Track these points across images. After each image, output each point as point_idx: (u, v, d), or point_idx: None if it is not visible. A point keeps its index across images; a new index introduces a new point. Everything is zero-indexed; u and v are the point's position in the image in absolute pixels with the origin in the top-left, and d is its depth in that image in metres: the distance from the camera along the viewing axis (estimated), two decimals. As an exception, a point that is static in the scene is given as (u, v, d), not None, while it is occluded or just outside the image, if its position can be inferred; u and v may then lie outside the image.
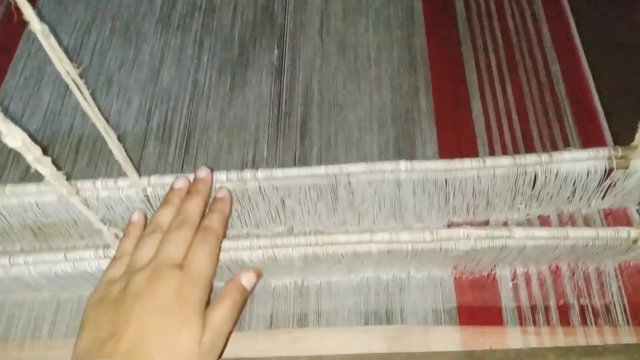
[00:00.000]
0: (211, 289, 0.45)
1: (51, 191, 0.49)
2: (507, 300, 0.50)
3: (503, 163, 0.48)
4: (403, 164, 0.48)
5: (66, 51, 0.35)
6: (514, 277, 0.51)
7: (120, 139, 0.44)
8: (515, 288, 0.51)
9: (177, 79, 0.68)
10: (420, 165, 0.48)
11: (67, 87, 0.36)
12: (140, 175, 0.50)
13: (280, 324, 0.52)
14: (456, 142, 0.59)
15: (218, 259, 0.46)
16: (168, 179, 0.50)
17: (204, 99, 0.65)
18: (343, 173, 0.49)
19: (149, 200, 0.52)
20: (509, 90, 0.63)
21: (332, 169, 0.49)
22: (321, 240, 0.46)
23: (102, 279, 0.45)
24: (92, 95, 0.38)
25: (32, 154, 0.35)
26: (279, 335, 0.51)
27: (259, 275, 0.49)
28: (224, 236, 0.48)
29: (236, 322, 0.45)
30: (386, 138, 0.60)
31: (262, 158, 0.60)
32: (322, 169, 0.49)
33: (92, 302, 0.43)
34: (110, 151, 0.44)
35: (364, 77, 0.66)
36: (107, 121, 0.41)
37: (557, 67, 0.64)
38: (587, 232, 0.43)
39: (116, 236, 0.50)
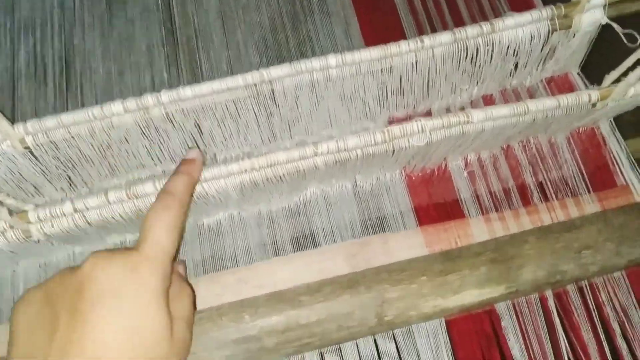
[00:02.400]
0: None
1: None
2: (464, 191, 0.47)
3: (442, 40, 0.42)
4: (333, 59, 0.41)
5: None
6: (467, 165, 0.47)
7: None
8: (471, 176, 0.47)
9: (38, 3, 0.55)
10: (352, 57, 0.41)
11: None
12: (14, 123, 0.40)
13: (223, 265, 0.45)
14: (382, 30, 0.53)
15: (182, 233, 0.37)
16: (50, 122, 0.40)
17: (78, 23, 0.54)
18: (265, 81, 0.41)
19: (32, 154, 0.42)
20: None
21: (252, 77, 0.41)
22: (258, 163, 0.39)
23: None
24: None
25: None
26: (224, 277, 0.45)
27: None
28: (188, 209, 0.38)
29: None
30: (306, 32, 0.52)
31: (163, 82, 0.51)
32: (239, 79, 0.41)
33: (24, 299, 0.34)
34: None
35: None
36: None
37: None
38: (548, 103, 0.39)
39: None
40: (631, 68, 0.38)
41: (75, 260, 0.46)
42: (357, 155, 0.40)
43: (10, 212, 0.39)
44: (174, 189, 0.37)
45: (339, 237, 0.45)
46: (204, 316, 0.39)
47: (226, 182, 0.39)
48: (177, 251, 0.36)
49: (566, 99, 0.39)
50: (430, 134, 0.39)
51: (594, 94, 0.40)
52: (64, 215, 0.39)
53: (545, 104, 0.39)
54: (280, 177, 0.40)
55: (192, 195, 0.38)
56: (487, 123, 0.39)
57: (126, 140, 0.43)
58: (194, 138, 0.45)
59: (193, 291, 0.39)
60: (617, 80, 0.40)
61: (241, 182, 0.39)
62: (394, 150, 0.40)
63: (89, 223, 0.40)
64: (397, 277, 0.39)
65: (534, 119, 0.40)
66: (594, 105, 0.41)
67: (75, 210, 0.39)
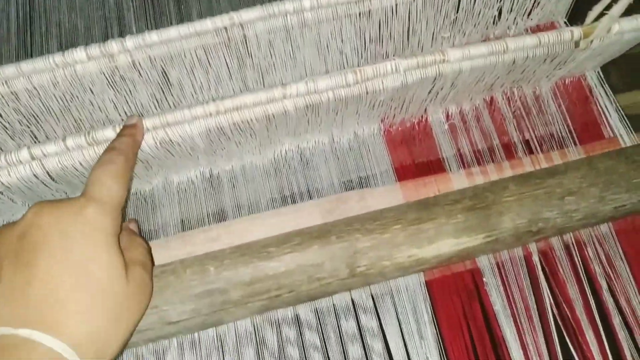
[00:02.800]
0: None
1: None
2: (445, 145, 0.45)
3: (421, -19, 0.40)
4: (307, 1, 0.39)
5: None
6: (448, 117, 0.45)
7: None
8: (452, 129, 0.45)
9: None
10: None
11: None
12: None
13: (194, 225, 0.43)
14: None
15: (128, 185, 0.35)
16: (9, 70, 0.39)
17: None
18: (236, 24, 0.40)
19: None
20: None
21: (221, 20, 0.39)
22: (223, 106, 0.37)
23: None
24: None
25: None
26: (195, 235, 0.43)
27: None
28: (133, 167, 0.37)
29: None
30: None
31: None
32: (207, 23, 0.39)
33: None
34: None
35: None
36: None
37: None
38: (528, 40, 0.37)
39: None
40: (614, 1, 0.36)
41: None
42: (328, 98, 0.38)
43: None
44: (118, 145, 0.35)
45: (316, 196, 0.44)
46: (167, 269, 0.37)
47: (190, 127, 0.37)
48: (125, 205, 0.35)
49: (547, 37, 0.37)
50: (405, 74, 0.37)
51: (577, 30, 0.38)
52: (21, 162, 0.37)
53: (526, 41, 0.37)
54: (248, 122, 0.38)
55: (136, 155, 0.37)
56: (465, 63, 0.38)
57: (91, 91, 0.41)
58: (162, 89, 0.43)
59: (147, 243, 0.37)
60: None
61: (207, 127, 0.37)
62: (367, 93, 0.38)
63: (48, 173, 0.38)
64: (369, 227, 0.36)
65: (514, 60, 0.38)
66: (577, 44, 0.39)
67: (33, 158, 0.37)
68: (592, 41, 0.39)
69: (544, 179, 0.37)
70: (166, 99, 0.44)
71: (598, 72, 0.46)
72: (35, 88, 0.40)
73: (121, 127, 0.37)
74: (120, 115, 0.44)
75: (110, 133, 0.37)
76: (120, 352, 0.32)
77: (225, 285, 0.36)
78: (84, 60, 0.39)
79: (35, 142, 0.44)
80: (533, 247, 0.42)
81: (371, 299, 0.41)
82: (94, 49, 0.39)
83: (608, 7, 0.37)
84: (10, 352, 0.27)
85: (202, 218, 0.44)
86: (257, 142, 0.42)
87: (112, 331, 0.30)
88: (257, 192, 0.44)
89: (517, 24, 0.46)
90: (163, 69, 0.41)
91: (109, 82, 0.41)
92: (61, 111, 0.42)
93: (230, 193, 0.44)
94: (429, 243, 0.36)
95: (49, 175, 0.38)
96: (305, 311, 0.40)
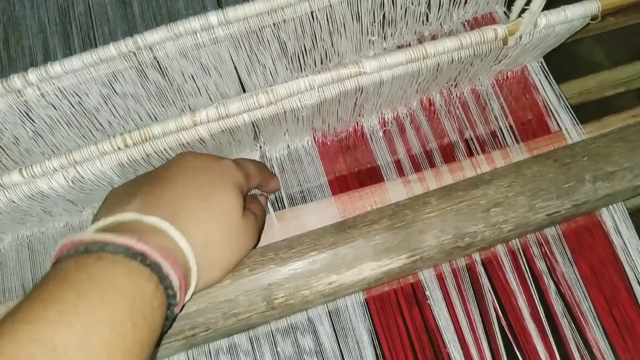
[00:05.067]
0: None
1: None
2: (380, 153, 0.43)
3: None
4: (214, 16, 0.37)
5: None
6: (384, 124, 0.43)
7: None
8: (388, 136, 0.43)
9: None
10: (235, 12, 0.37)
11: None
12: None
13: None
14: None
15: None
16: None
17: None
18: (142, 47, 0.37)
19: None
20: None
21: (126, 44, 0.37)
22: (131, 139, 0.35)
23: None
24: None
25: None
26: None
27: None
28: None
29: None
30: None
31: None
32: (111, 49, 0.37)
33: (121, 184, 0.36)
34: None
35: None
36: None
37: None
38: (449, 43, 0.35)
39: None
40: (534, -5, 0.33)
41: None
42: (244, 120, 0.36)
43: None
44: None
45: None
46: None
47: (102, 163, 0.36)
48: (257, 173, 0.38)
49: (469, 38, 0.35)
50: (322, 90, 0.35)
51: (500, 28, 0.35)
52: None
53: (446, 45, 0.35)
54: (161, 152, 0.36)
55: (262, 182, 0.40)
56: (384, 73, 0.35)
57: (4, 127, 0.40)
58: (79, 124, 0.41)
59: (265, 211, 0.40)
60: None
61: (118, 162, 0.36)
62: (284, 111, 0.36)
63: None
64: (284, 256, 0.35)
65: (439, 65, 0.36)
66: (505, 42, 0.36)
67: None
68: (520, 37, 0.36)
69: (468, 191, 0.35)
70: (90, 132, 0.42)
71: (540, 62, 0.44)
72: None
73: None
74: (52, 150, 0.42)
75: (17, 177, 0.35)
76: (222, 277, 0.34)
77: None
78: (-9, 96, 0.37)
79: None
80: (477, 258, 0.40)
81: (307, 320, 0.39)
82: (-2, 85, 0.37)
83: (529, 1, 0.34)
84: (141, 233, 0.29)
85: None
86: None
87: (220, 249, 0.33)
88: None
89: (452, 17, 0.44)
90: (74, 101, 0.39)
91: (19, 120, 0.39)
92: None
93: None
94: (348, 268, 0.34)
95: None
96: (239, 337, 0.39)
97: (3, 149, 0.41)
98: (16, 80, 0.37)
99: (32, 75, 0.37)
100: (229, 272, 0.34)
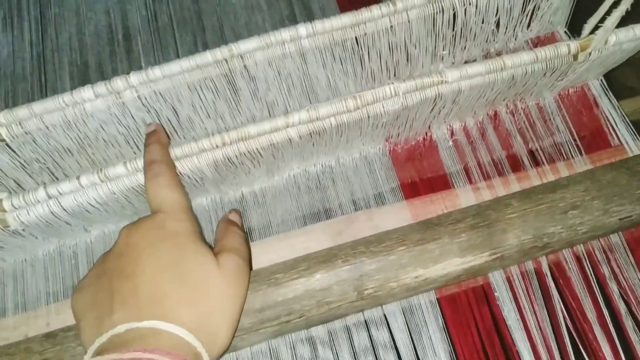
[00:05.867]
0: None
1: None
2: (450, 162, 0.45)
3: (416, 2, 0.40)
4: (303, 28, 0.40)
5: None
6: (452, 133, 0.46)
7: None
8: (457, 145, 0.45)
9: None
10: (322, 25, 0.40)
11: None
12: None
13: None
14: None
15: (182, 186, 0.38)
16: (22, 112, 0.40)
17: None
18: (235, 55, 0.41)
19: (9, 147, 0.42)
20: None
21: (221, 52, 0.40)
22: (229, 137, 0.38)
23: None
24: None
25: None
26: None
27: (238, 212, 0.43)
28: (174, 166, 0.39)
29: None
30: (280, 14, 0.51)
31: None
32: (207, 56, 0.40)
33: (77, 288, 0.36)
34: None
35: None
36: None
37: None
38: (525, 57, 0.38)
39: None
40: (607, 13, 0.36)
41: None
42: (331, 124, 0.38)
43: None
44: (153, 156, 0.38)
45: (325, 217, 0.44)
46: None
47: (199, 160, 0.38)
48: (188, 200, 0.37)
49: (544, 52, 0.38)
50: (405, 97, 0.38)
51: (573, 44, 0.38)
52: (38, 201, 0.39)
53: (523, 57, 0.37)
54: (254, 151, 0.39)
55: (169, 155, 0.39)
56: (464, 82, 0.38)
57: (102, 128, 0.43)
58: (170, 124, 0.44)
59: (244, 232, 0.40)
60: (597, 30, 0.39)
61: (214, 159, 0.38)
62: (368, 117, 0.39)
63: (65, 209, 0.39)
64: (374, 249, 0.37)
65: (513, 77, 0.39)
66: (575, 57, 0.39)
67: (49, 197, 0.39)
68: (590, 54, 0.39)
69: (546, 194, 0.37)
70: (176, 133, 0.45)
71: (601, 80, 0.46)
72: (47, 127, 0.41)
73: (145, 138, 0.40)
74: (131, 148, 0.45)
75: (121, 170, 0.38)
76: (232, 336, 0.34)
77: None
78: (91, 98, 0.40)
79: (53, 179, 0.46)
80: (543, 260, 0.42)
81: (383, 316, 0.41)
82: (100, 87, 0.40)
83: (603, 19, 0.37)
84: (140, 341, 0.29)
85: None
86: (265, 168, 0.43)
87: (218, 316, 0.33)
88: (267, 217, 0.45)
89: (516, 36, 0.47)
90: (172, 105, 0.42)
91: (117, 120, 0.42)
92: (75, 148, 0.44)
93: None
94: (434, 263, 0.36)
95: (65, 211, 0.39)
96: (317, 329, 0.41)
97: (107, 143, 0.43)
98: (118, 83, 0.40)
99: (135, 78, 0.40)
100: (236, 327, 0.34)
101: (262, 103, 0.45)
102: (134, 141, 0.45)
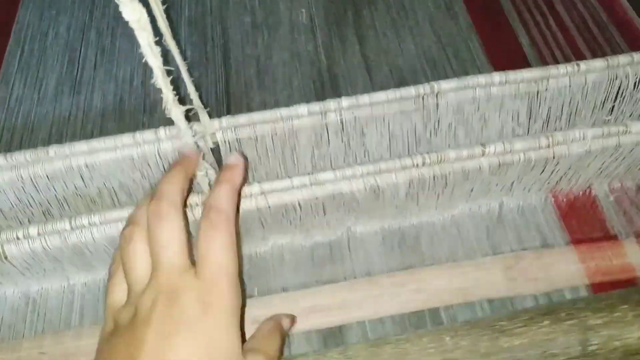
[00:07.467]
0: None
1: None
2: (612, 215, 0.48)
3: (596, 66, 0.46)
4: (497, 77, 0.46)
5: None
6: (612, 191, 0.49)
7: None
8: (618, 201, 0.49)
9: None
10: (514, 76, 0.46)
11: None
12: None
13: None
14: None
15: (236, 247, 0.35)
16: (242, 119, 0.46)
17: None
18: (432, 93, 0.46)
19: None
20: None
21: (423, 88, 0.46)
22: (429, 158, 0.42)
23: (106, 308, 0.36)
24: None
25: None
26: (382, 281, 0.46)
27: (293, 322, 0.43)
28: (237, 222, 0.38)
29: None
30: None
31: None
32: (411, 90, 0.46)
33: (103, 335, 0.35)
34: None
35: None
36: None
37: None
38: None
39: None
40: None
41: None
42: (520, 159, 0.42)
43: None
44: (218, 202, 0.35)
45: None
46: (402, 338, 0.40)
47: (396, 176, 0.42)
48: (237, 266, 0.34)
49: None
50: (591, 142, 0.42)
51: None
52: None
53: None
54: (446, 175, 0.43)
55: (237, 202, 0.38)
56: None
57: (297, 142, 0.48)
58: (348, 148, 0.49)
59: (284, 336, 0.40)
60: None
61: (410, 177, 0.42)
62: (553, 157, 0.42)
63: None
64: (596, 306, 0.39)
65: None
66: None
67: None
68: None
69: None
70: (351, 156, 0.50)
71: None
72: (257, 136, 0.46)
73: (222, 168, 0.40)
74: (313, 165, 0.50)
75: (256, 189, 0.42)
76: None
77: (462, 355, 0.38)
78: (304, 114, 0.45)
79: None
80: None
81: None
82: (314, 106, 0.45)
83: None
84: None
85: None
86: (438, 202, 0.47)
87: None
88: (436, 248, 0.48)
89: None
90: (361, 129, 0.47)
91: (314, 141, 0.47)
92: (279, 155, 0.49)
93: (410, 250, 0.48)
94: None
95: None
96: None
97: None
98: (330, 105, 0.46)
99: (346, 102, 0.46)
100: None
101: (442, 137, 0.50)
102: (316, 162, 0.50)
